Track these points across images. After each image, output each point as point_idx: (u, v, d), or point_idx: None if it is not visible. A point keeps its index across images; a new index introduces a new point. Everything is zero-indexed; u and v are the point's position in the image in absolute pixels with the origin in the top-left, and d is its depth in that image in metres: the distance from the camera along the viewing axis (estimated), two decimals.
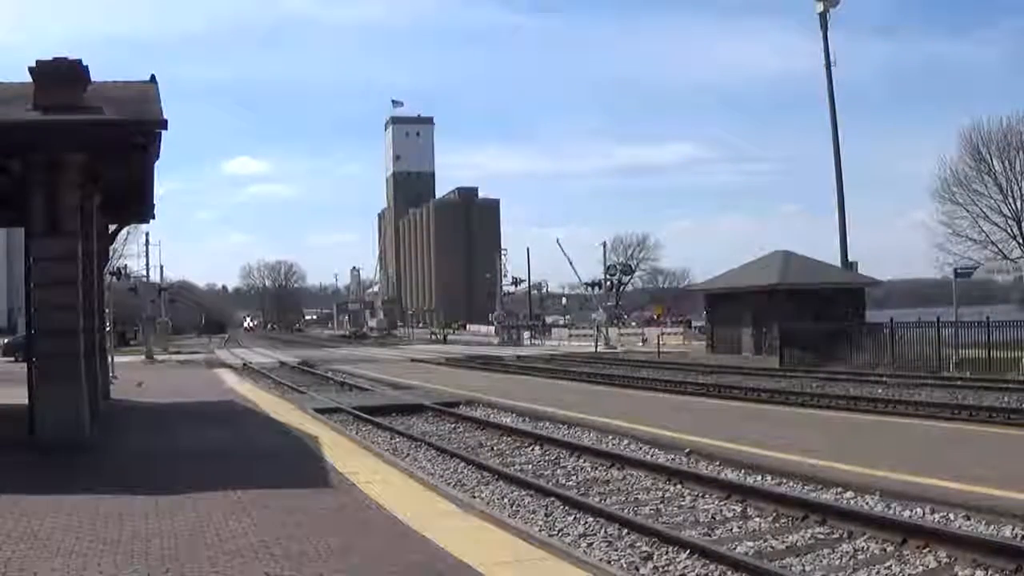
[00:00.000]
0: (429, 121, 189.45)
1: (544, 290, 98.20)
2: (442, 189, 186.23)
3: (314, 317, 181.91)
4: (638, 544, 8.51)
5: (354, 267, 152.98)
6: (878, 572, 7.56)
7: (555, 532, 9.05)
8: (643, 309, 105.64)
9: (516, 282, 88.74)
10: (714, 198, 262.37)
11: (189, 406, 20.42)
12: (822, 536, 8.71)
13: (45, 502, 8.91)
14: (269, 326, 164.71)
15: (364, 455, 12.52)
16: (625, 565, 7.88)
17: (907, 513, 9.20)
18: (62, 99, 12.55)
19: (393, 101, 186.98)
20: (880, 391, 23.47)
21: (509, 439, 16.17)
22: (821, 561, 7.95)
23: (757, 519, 9.54)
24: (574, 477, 12.40)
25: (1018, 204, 48.78)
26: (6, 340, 48.16)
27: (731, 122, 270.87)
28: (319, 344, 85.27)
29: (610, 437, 15.55)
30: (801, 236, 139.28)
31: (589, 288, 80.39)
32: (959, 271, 37.89)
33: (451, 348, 64.31)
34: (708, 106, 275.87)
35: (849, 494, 10.18)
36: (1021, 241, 48.25)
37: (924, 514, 9.10)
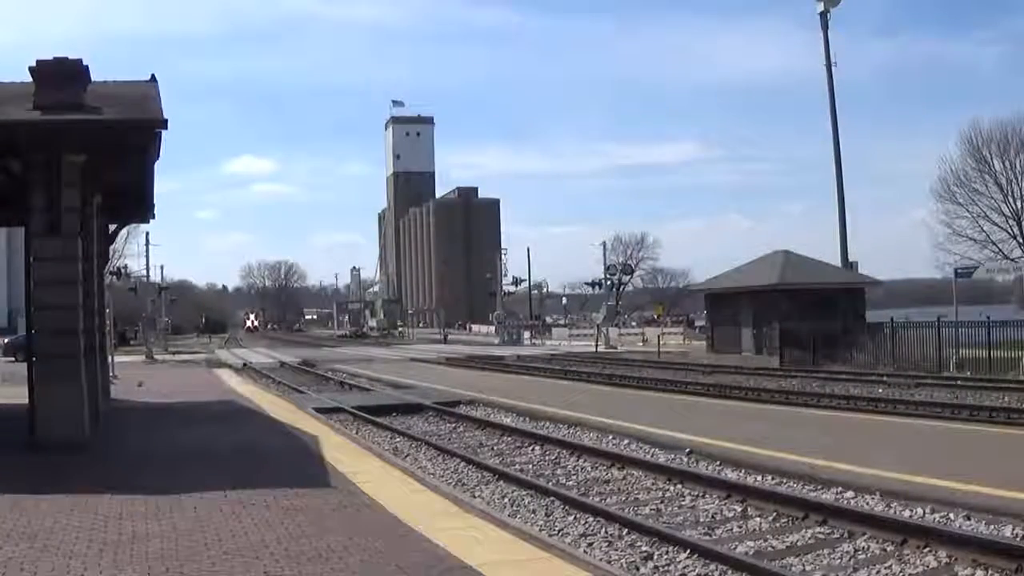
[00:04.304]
0: (429, 121, 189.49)
1: (544, 290, 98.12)
2: (442, 189, 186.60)
3: (314, 317, 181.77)
4: (638, 544, 8.52)
5: (354, 267, 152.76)
6: (878, 572, 7.56)
7: (555, 532, 9.06)
8: (643, 309, 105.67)
9: (516, 282, 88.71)
10: (714, 198, 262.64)
11: (189, 406, 20.41)
12: (822, 536, 8.72)
13: (45, 502, 8.91)
14: (269, 326, 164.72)
15: (364, 455, 12.52)
16: (625, 565, 7.88)
17: (907, 513, 9.20)
18: (62, 99, 12.54)
19: (393, 101, 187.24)
20: (880, 391, 23.47)
21: (509, 439, 16.17)
22: (821, 561, 7.95)
23: (757, 519, 9.54)
24: (574, 477, 12.41)
25: (1018, 204, 48.81)
26: (6, 340, 48.09)
27: (732, 122, 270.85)
28: (319, 344, 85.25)
29: (610, 437, 15.55)
30: (801, 236, 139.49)
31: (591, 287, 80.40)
32: (959, 271, 37.89)
33: (451, 348, 64.31)
34: (708, 106, 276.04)
35: (849, 494, 10.18)
36: (1021, 241, 48.25)
37: (924, 514, 9.10)
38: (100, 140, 12.91)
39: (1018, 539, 8.06)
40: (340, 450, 12.85)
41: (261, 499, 9.11)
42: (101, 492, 9.41)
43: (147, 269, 63.18)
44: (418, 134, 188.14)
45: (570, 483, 11.90)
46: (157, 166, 15.72)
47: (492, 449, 15.25)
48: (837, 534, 8.69)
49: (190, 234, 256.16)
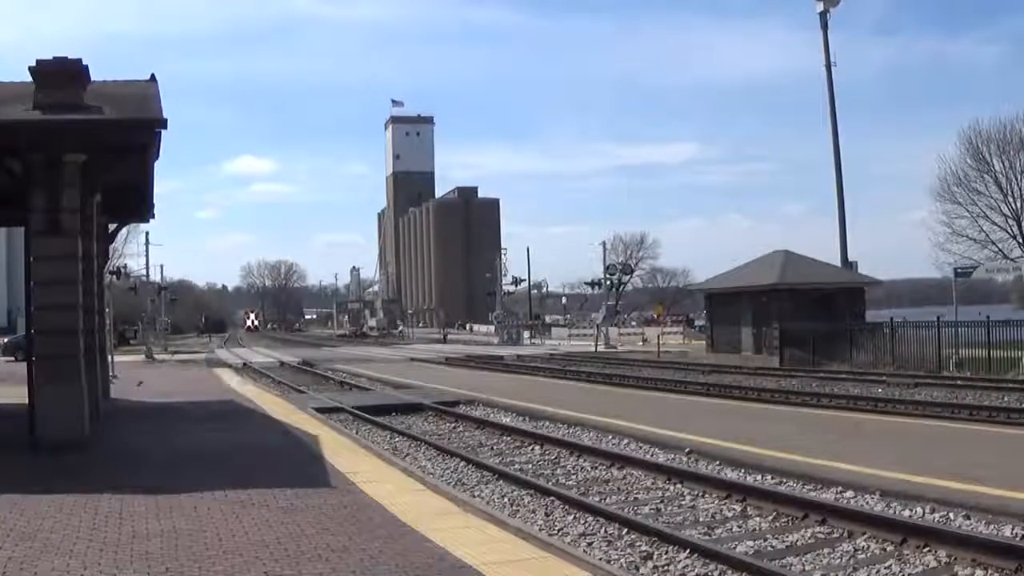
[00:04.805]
0: (429, 121, 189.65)
1: (544, 289, 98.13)
2: (442, 189, 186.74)
3: (314, 317, 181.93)
4: (638, 543, 8.52)
5: (354, 267, 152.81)
6: (878, 572, 7.56)
7: (555, 531, 9.06)
8: (643, 309, 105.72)
9: (516, 281, 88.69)
10: (714, 198, 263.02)
11: (189, 406, 20.41)
12: (822, 536, 8.72)
13: (45, 502, 8.91)
14: (269, 325, 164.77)
15: (364, 455, 12.52)
16: (625, 564, 7.88)
17: (907, 513, 9.20)
18: (62, 99, 12.54)
19: (393, 101, 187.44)
20: (880, 391, 23.46)
21: (509, 438, 16.18)
22: (821, 560, 7.95)
23: (757, 518, 9.54)
24: (574, 476, 12.41)
25: (1018, 203, 48.73)
26: (6, 340, 48.10)
27: (731, 122, 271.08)
28: (319, 343, 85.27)
29: (610, 436, 15.55)
30: (801, 236, 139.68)
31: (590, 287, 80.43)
32: (959, 271, 37.85)
33: (451, 347, 64.30)
34: (708, 106, 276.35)
35: (849, 494, 10.18)
36: (1021, 240, 48.21)
37: (924, 514, 9.10)
38: (100, 140, 12.90)
39: (1018, 539, 8.06)
40: (340, 450, 12.85)
41: (261, 499, 9.11)
42: (101, 492, 9.41)
43: (147, 269, 63.19)
44: (418, 134, 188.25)
45: (570, 483, 11.90)
46: (157, 166, 15.77)
47: (492, 449, 15.25)
48: (837, 534, 8.70)
49: (190, 234, 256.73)
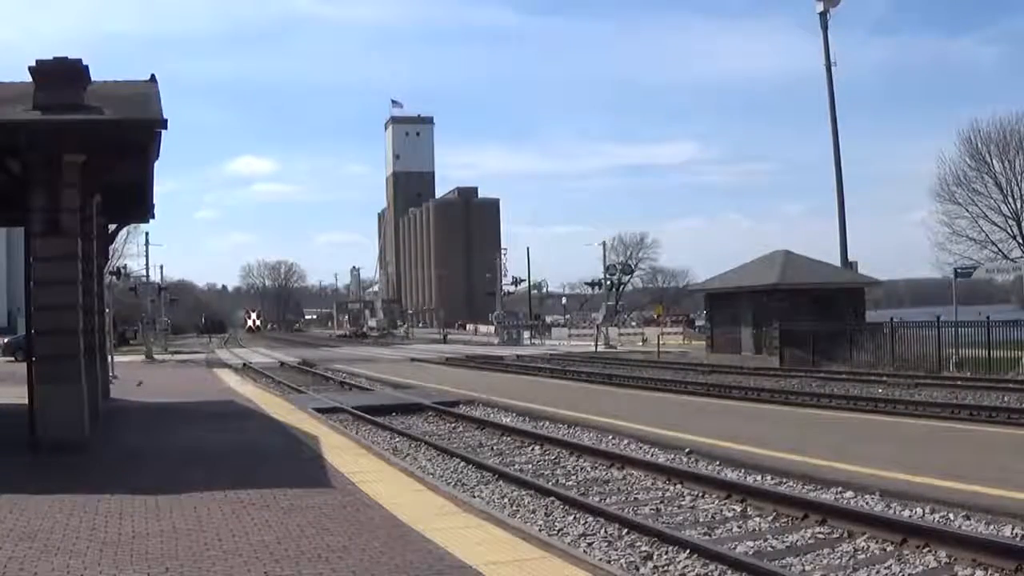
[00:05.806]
0: (429, 121, 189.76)
1: (544, 290, 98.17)
2: (442, 189, 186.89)
3: (314, 317, 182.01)
4: (638, 544, 8.52)
5: (354, 267, 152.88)
6: (878, 572, 7.56)
7: (555, 532, 9.05)
8: (643, 309, 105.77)
9: (516, 281, 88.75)
10: (714, 198, 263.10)
11: (189, 406, 20.42)
12: (822, 536, 8.72)
13: (45, 502, 8.91)
14: (269, 326, 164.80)
15: (364, 455, 12.51)
16: (625, 565, 7.88)
17: (907, 513, 9.20)
18: (62, 99, 12.53)
19: (393, 101, 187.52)
20: (880, 391, 23.47)
21: (509, 439, 16.18)
22: (821, 561, 7.95)
23: (757, 519, 9.54)
24: (574, 477, 12.41)
25: (1018, 204, 48.80)
26: (6, 340, 48.09)
27: (732, 122, 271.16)
28: (319, 344, 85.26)
29: (610, 437, 15.55)
30: (801, 236, 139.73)
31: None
32: (959, 271, 37.86)
33: (451, 348, 64.29)
34: (708, 106, 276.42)
35: (849, 494, 10.18)
36: (1021, 241, 48.24)
37: (924, 514, 9.10)
38: (100, 140, 12.89)
39: (1018, 539, 8.06)
40: (340, 450, 12.85)
41: (261, 499, 9.11)
42: (101, 492, 9.41)
43: (147, 269, 63.16)
44: (418, 134, 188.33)
45: (570, 483, 11.90)
46: (157, 166, 15.74)
47: (492, 449, 15.25)
48: (837, 534, 8.69)
49: (190, 234, 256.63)
